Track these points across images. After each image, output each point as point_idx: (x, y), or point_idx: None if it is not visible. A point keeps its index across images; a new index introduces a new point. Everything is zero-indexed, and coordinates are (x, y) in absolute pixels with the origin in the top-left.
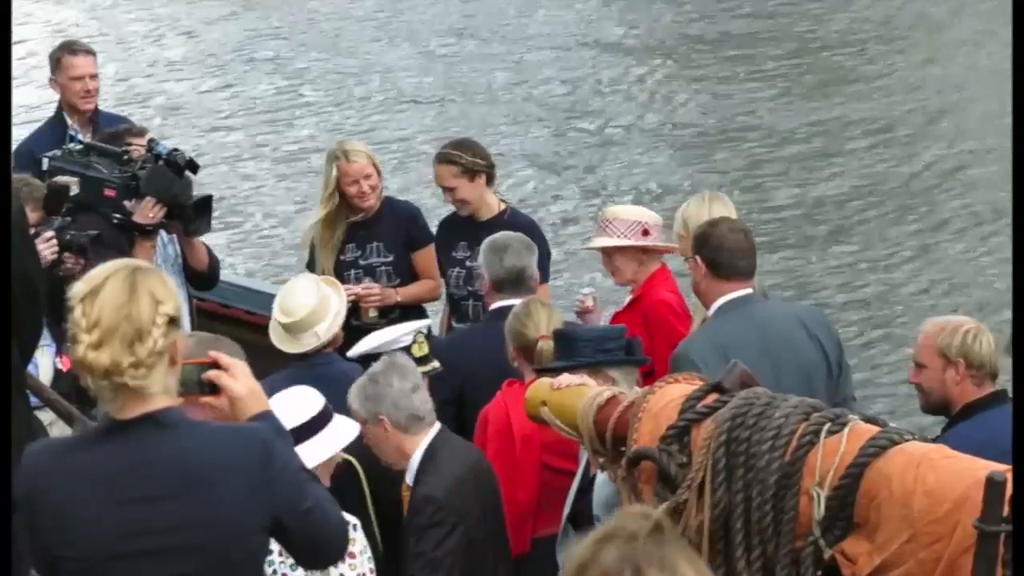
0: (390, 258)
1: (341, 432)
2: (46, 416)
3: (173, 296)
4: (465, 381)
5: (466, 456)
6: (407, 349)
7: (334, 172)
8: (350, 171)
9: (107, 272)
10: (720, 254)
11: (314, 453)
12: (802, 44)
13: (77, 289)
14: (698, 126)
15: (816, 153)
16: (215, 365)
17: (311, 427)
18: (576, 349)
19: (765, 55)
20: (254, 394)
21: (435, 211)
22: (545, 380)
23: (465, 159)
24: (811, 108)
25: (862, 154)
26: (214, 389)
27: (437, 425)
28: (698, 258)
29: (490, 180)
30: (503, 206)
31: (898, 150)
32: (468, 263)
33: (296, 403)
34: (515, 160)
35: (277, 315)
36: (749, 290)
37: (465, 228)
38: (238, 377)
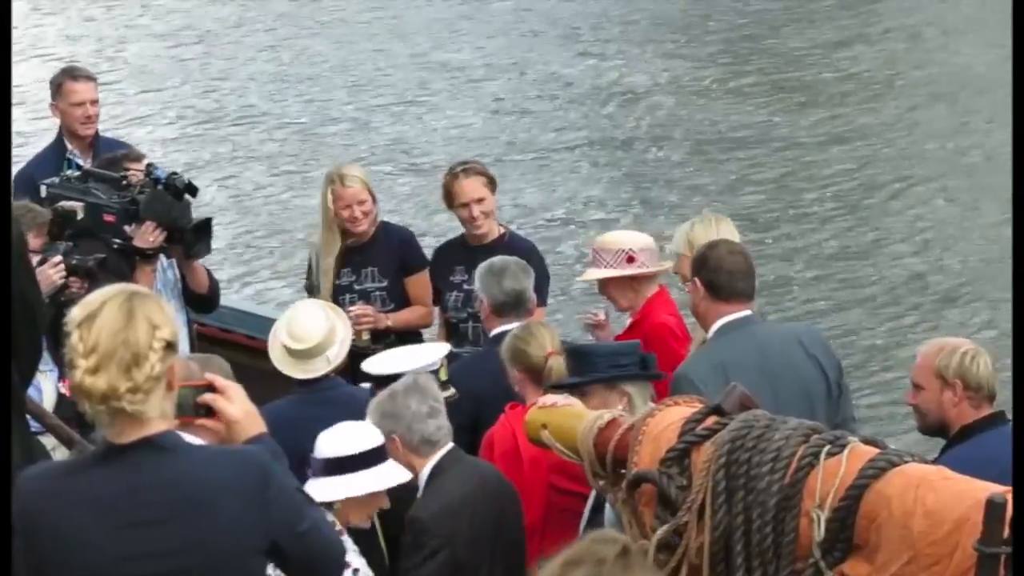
0: (384, 283)
1: (389, 475)
2: (49, 441)
3: (170, 321)
4: (480, 406)
5: (474, 477)
6: (435, 372)
7: (330, 195)
8: (344, 195)
9: (104, 297)
10: (719, 276)
11: (353, 486)
12: (781, 59)
13: (74, 314)
14: (678, 140)
15: (794, 168)
16: (211, 388)
17: (361, 461)
18: (591, 364)
19: (744, 70)
20: (250, 417)
21: (418, 231)
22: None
23: (488, 171)
24: (789, 122)
25: (840, 167)
26: (210, 412)
27: (449, 445)
28: (697, 280)
29: None
30: (501, 230)
31: (875, 166)
32: (465, 286)
33: (352, 435)
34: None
35: (286, 341)
36: (748, 311)
37: (461, 252)
38: (234, 400)
